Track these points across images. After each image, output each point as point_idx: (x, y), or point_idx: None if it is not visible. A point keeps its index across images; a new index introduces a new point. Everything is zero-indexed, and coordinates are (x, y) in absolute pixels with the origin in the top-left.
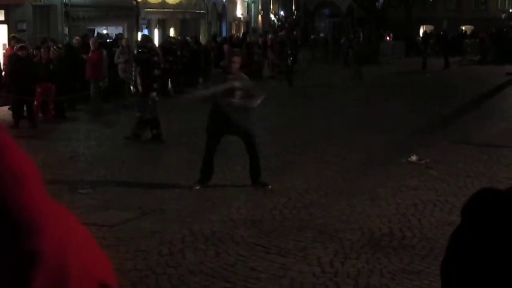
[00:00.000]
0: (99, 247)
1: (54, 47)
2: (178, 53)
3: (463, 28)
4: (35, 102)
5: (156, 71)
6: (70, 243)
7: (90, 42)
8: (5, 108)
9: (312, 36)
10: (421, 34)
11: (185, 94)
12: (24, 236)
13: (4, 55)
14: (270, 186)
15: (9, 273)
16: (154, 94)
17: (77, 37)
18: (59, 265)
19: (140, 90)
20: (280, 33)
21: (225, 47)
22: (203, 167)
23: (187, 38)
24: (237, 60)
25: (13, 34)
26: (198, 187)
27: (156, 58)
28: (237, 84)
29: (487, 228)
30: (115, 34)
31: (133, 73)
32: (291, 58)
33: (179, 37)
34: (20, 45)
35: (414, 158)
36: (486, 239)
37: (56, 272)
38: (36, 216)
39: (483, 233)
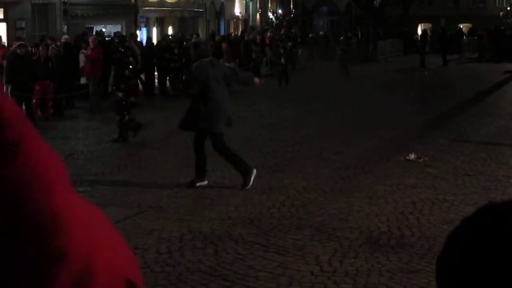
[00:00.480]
0: (125, 244)
1: (53, 45)
2: (176, 51)
3: (461, 25)
4: (34, 100)
5: (127, 72)
6: (95, 241)
7: (90, 40)
8: None
9: (310, 35)
10: (419, 32)
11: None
12: (49, 235)
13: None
14: (248, 187)
15: (34, 273)
16: (120, 94)
17: (66, 36)
18: (85, 264)
19: (110, 90)
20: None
21: (224, 45)
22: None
23: (192, 36)
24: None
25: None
26: (205, 183)
27: (131, 59)
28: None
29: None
30: (113, 32)
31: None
32: (283, 57)
33: (181, 34)
34: (19, 43)
35: (412, 156)
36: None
37: (82, 271)
38: (61, 215)
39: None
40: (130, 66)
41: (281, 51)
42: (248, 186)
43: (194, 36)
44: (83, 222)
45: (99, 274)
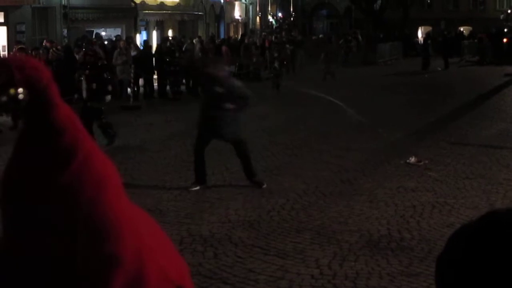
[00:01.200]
0: (176, 250)
1: (54, 48)
2: (176, 54)
3: (461, 28)
4: None
5: (105, 75)
6: (148, 247)
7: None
8: None
9: (313, 37)
10: (419, 35)
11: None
12: (104, 240)
13: None
14: (265, 185)
15: (90, 276)
16: (108, 97)
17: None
18: (137, 269)
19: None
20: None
21: (224, 48)
22: (195, 171)
23: (192, 39)
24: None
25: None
26: (197, 188)
27: (99, 63)
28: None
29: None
30: (114, 36)
31: (132, 74)
32: (277, 61)
33: (183, 38)
34: (19, 46)
35: (412, 159)
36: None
37: (134, 275)
38: (116, 221)
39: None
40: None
41: (275, 54)
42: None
43: (196, 39)
44: (135, 227)
45: (151, 280)
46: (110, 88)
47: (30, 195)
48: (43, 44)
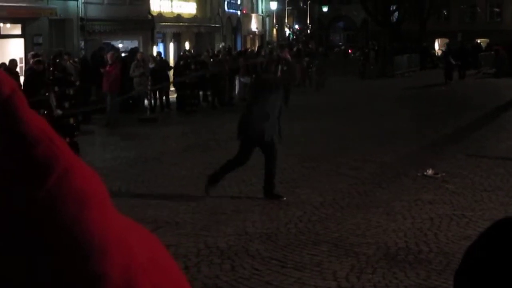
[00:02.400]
0: (176, 267)
1: (71, 61)
2: (192, 66)
3: (478, 40)
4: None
5: (71, 91)
6: (140, 264)
7: (108, 56)
8: None
9: (335, 49)
10: (436, 47)
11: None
12: (89, 259)
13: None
14: (285, 198)
15: None
16: (59, 111)
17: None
18: (127, 284)
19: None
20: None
21: (241, 60)
22: (217, 174)
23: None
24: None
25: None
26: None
27: (72, 78)
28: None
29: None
30: (130, 48)
31: (148, 86)
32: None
33: (209, 50)
34: (36, 59)
35: (430, 171)
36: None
37: None
38: (102, 238)
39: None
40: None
41: (284, 68)
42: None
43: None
44: (125, 244)
45: None
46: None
47: (5, 215)
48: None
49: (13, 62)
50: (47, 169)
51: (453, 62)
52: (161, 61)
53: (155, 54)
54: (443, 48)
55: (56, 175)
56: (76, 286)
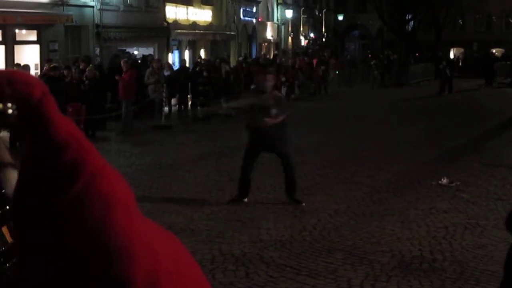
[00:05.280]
0: (201, 274)
1: (91, 65)
2: (205, 74)
3: (493, 50)
4: None
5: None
6: (165, 270)
7: (122, 63)
8: None
9: (348, 56)
10: (451, 57)
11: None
12: (115, 262)
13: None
14: (304, 204)
15: None
16: None
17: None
18: None
19: None
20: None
21: (254, 68)
22: (240, 184)
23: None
24: (270, 78)
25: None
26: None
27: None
28: (271, 102)
29: None
30: (143, 55)
31: (163, 93)
32: (286, 87)
33: (218, 58)
34: (52, 65)
35: (444, 180)
36: None
37: None
38: (127, 242)
39: None
40: None
41: (283, 79)
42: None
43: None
44: (150, 249)
45: None
46: None
47: (35, 218)
48: (78, 62)
49: (25, 67)
50: (75, 173)
51: (449, 74)
52: (181, 69)
53: (170, 61)
54: (460, 55)
55: (83, 179)
56: None
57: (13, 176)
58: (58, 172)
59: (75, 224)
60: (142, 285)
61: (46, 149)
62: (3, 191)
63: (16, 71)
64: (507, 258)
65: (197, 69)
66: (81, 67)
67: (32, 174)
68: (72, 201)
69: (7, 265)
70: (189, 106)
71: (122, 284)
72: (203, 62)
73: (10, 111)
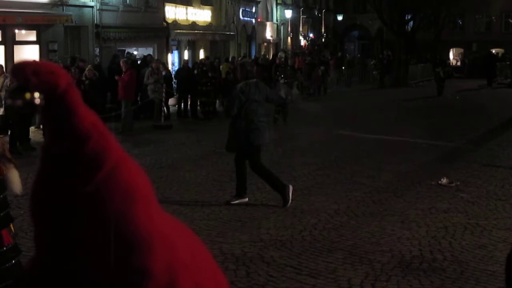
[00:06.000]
0: (217, 267)
1: (90, 66)
2: (209, 74)
3: (493, 50)
4: None
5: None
6: (182, 262)
7: (121, 63)
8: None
9: (348, 55)
10: (450, 57)
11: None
12: (134, 254)
13: None
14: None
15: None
16: None
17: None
18: (169, 284)
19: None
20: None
21: (255, 68)
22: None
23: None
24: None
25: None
26: (245, 200)
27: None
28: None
29: None
30: (143, 55)
31: (163, 93)
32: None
33: (214, 58)
34: None
35: (444, 180)
36: None
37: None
38: (146, 234)
39: None
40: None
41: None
42: (289, 203)
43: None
44: (169, 241)
45: None
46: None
47: (56, 208)
48: (77, 63)
49: None
50: (97, 164)
51: (442, 75)
52: (183, 68)
53: (169, 61)
54: (461, 57)
55: (105, 170)
56: (120, 280)
57: (15, 175)
58: (81, 163)
59: (97, 214)
60: (160, 275)
61: (70, 139)
62: (4, 194)
63: (42, 61)
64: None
65: (199, 69)
66: (80, 65)
67: (55, 165)
68: (94, 192)
69: (7, 265)
70: (189, 106)
71: (141, 274)
72: (204, 62)
73: (37, 101)
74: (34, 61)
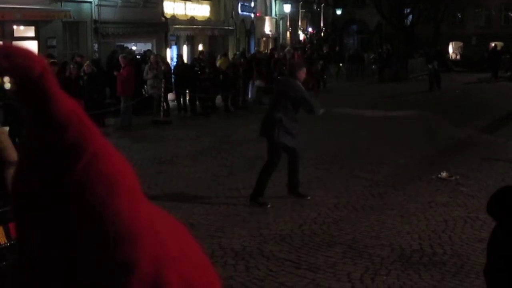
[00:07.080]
0: (207, 262)
1: (88, 61)
2: (207, 70)
3: (493, 44)
4: None
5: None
6: (170, 255)
7: (120, 59)
8: None
9: (350, 51)
10: (450, 51)
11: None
12: (119, 245)
13: None
14: (309, 197)
15: (105, 282)
16: None
17: (79, 54)
18: (155, 278)
19: None
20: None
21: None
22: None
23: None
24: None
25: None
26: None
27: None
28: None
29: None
30: (143, 51)
31: (162, 88)
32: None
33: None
34: (51, 60)
35: (444, 174)
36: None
37: (153, 282)
38: (131, 225)
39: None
40: None
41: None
42: (257, 204)
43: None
44: (155, 234)
45: (172, 285)
46: None
47: (36, 199)
48: (75, 58)
49: None
50: (77, 153)
51: (436, 68)
52: (181, 64)
53: (168, 56)
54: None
55: (86, 159)
56: (104, 273)
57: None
58: (60, 152)
59: (78, 206)
60: (146, 269)
61: (47, 127)
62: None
63: (15, 45)
64: (489, 243)
65: (197, 65)
66: (78, 60)
67: (32, 155)
68: (74, 182)
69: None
70: (187, 101)
71: (125, 268)
72: (203, 58)
73: (7, 86)
74: (6, 43)
